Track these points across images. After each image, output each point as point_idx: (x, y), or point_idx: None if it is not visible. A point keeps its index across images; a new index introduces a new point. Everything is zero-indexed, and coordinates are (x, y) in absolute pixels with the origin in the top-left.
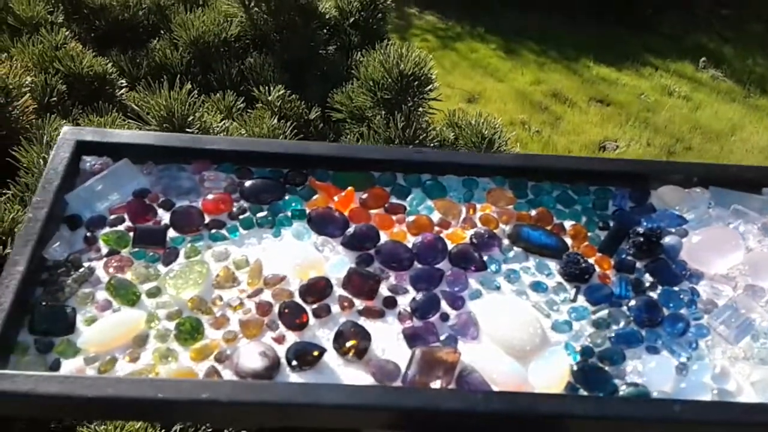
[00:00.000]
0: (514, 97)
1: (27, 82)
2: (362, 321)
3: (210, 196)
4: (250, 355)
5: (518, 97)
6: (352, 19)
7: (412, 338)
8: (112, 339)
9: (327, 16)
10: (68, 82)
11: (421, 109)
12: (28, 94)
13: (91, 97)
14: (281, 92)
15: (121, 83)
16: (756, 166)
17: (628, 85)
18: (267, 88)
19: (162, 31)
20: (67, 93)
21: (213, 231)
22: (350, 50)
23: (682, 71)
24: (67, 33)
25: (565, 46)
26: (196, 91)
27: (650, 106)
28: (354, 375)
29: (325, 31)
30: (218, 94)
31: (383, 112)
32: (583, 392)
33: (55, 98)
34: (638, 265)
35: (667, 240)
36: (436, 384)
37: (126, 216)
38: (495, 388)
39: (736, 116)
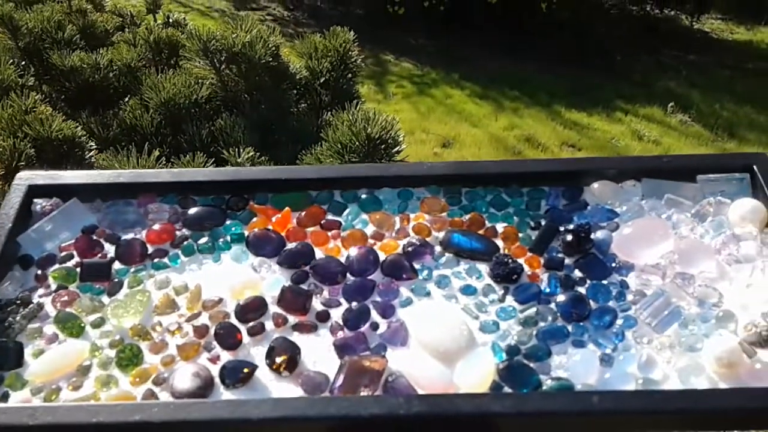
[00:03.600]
0: (489, 141)
1: None
2: (295, 336)
3: (154, 227)
4: (185, 377)
5: (492, 142)
6: (322, 79)
7: (342, 349)
8: (57, 369)
9: (297, 77)
10: (37, 145)
11: None
12: None
13: (59, 160)
14: (251, 154)
15: (91, 146)
16: (689, 154)
17: (600, 130)
18: (237, 149)
19: (132, 93)
20: (36, 156)
21: (155, 260)
22: (320, 110)
23: (651, 116)
24: (37, 97)
25: (539, 92)
26: (165, 155)
27: (621, 150)
28: (285, 389)
29: (295, 91)
30: (188, 156)
31: None
32: (507, 390)
33: (23, 162)
34: (568, 261)
35: (598, 234)
36: (363, 392)
37: (75, 252)
38: (421, 392)
39: None
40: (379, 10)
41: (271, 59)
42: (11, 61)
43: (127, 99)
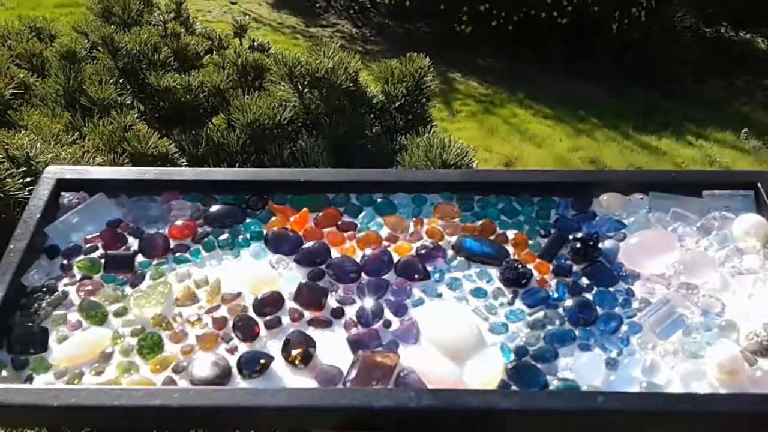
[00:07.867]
0: (552, 162)
1: (98, 162)
2: (310, 330)
3: (177, 223)
4: (203, 365)
5: (556, 163)
6: (398, 103)
7: (355, 344)
8: (80, 355)
9: (374, 101)
10: (133, 160)
11: None
12: None
13: None
14: None
15: (182, 162)
16: (695, 170)
17: (668, 154)
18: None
19: (220, 113)
20: None
21: (177, 254)
22: (395, 133)
23: (724, 140)
24: (135, 115)
25: (606, 114)
26: None
27: None
28: (299, 380)
29: (372, 115)
30: None
31: None
32: (514, 389)
33: None
34: (575, 268)
35: (606, 244)
36: (375, 386)
37: (99, 244)
38: (430, 388)
39: None
40: (447, 28)
41: (351, 84)
42: (111, 80)
43: (215, 119)
